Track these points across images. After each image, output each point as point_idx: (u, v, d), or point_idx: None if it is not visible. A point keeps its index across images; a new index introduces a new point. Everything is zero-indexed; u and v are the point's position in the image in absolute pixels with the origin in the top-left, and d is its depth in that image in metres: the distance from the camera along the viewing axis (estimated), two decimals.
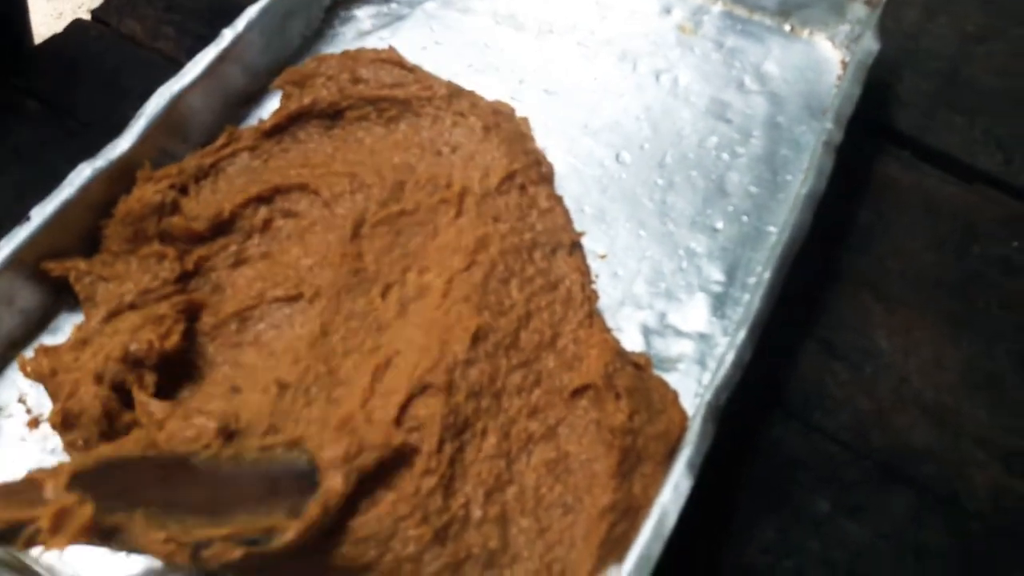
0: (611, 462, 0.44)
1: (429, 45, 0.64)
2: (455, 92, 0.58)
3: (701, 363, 0.50)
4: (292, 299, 0.49)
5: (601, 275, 0.53)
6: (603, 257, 0.54)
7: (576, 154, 0.59)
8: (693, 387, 0.49)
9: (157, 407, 0.43)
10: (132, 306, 0.48)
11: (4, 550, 0.42)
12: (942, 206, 0.59)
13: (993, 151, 0.61)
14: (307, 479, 0.41)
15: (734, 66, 0.63)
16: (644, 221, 0.56)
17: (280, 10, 0.61)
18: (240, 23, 0.58)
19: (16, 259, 0.48)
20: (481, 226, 0.50)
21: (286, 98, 0.58)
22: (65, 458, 0.45)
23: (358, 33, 0.65)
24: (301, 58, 0.62)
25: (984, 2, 0.70)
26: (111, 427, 0.44)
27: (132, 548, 0.38)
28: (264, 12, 0.59)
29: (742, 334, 0.46)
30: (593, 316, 0.50)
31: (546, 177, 0.56)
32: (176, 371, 0.46)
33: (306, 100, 0.57)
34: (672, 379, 0.49)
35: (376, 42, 0.63)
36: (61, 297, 0.51)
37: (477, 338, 0.46)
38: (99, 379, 0.43)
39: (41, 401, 0.47)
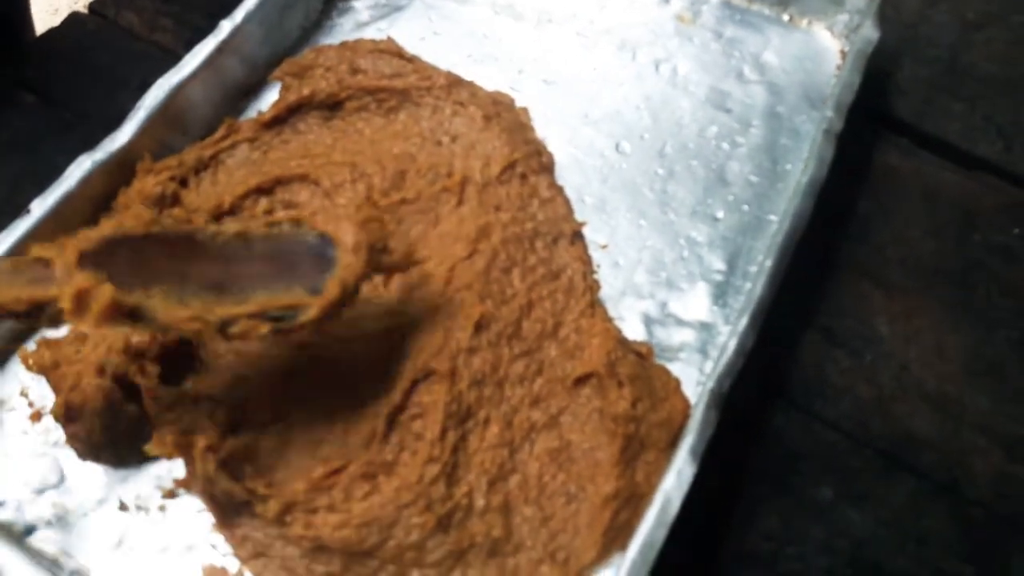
0: (614, 450, 0.44)
1: (428, 36, 0.64)
2: (454, 82, 0.57)
3: (703, 352, 0.50)
4: None
5: (602, 265, 0.53)
6: (604, 247, 0.54)
7: (576, 144, 0.58)
8: (695, 376, 0.49)
9: (165, 392, 0.43)
10: None
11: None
12: (942, 193, 0.59)
13: (993, 138, 0.61)
14: (320, 256, 0.40)
15: (733, 56, 0.63)
16: (645, 211, 0.56)
17: (278, 2, 0.61)
18: (238, 14, 0.58)
19: (17, 252, 0.48)
20: (483, 215, 0.50)
21: (285, 89, 0.58)
22: (69, 452, 0.45)
23: (356, 24, 0.65)
24: (300, 49, 0.62)
25: None
26: (114, 418, 0.44)
27: (157, 327, 0.37)
28: (262, 3, 0.59)
29: (744, 321, 0.46)
30: (595, 305, 0.50)
31: (547, 167, 0.56)
32: (178, 362, 0.46)
33: (305, 91, 0.57)
34: (674, 368, 0.49)
35: (374, 33, 0.63)
36: None
37: (480, 326, 0.46)
38: (101, 371, 0.43)
39: (43, 394, 0.47)
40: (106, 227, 0.39)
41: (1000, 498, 0.47)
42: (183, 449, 0.42)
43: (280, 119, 0.56)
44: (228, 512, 0.42)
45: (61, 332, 0.48)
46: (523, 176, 0.54)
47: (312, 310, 0.39)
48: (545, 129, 0.59)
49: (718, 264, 0.53)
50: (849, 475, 0.48)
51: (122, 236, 0.38)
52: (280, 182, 0.53)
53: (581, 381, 0.47)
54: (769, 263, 0.48)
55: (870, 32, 0.59)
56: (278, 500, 0.41)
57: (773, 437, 0.49)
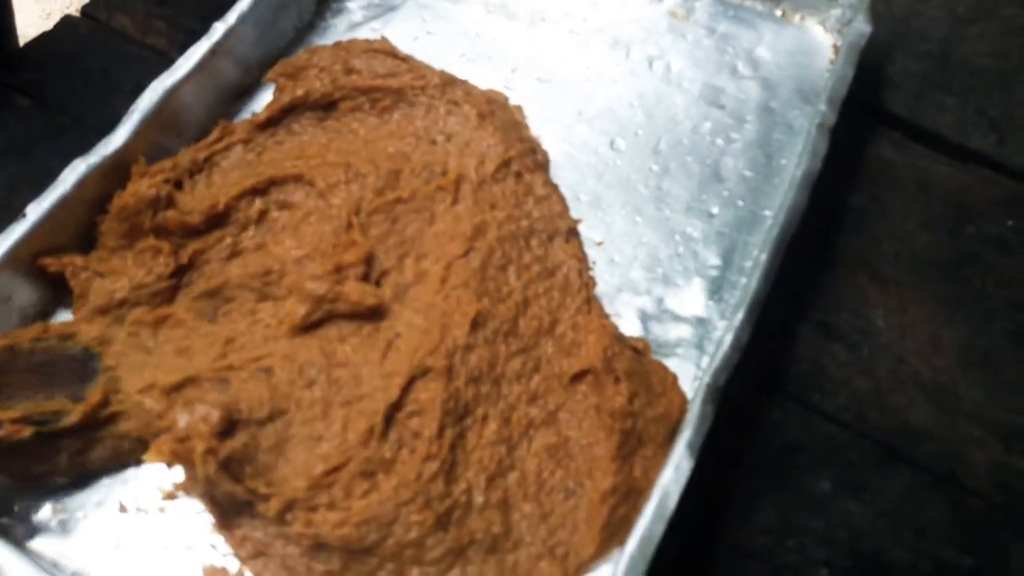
0: (611, 445, 0.44)
1: (421, 35, 0.64)
2: (448, 81, 0.57)
3: (699, 347, 0.50)
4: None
5: (598, 262, 0.53)
6: (600, 244, 0.54)
7: (571, 142, 0.59)
8: (692, 371, 0.49)
9: (152, 402, 0.43)
10: (122, 303, 0.48)
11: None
12: (936, 187, 0.59)
13: (986, 131, 0.61)
14: (83, 365, 0.44)
15: (726, 52, 0.63)
16: (640, 207, 0.56)
17: (272, 3, 0.61)
18: (232, 16, 0.58)
19: (13, 256, 0.48)
20: (478, 213, 0.51)
21: (279, 90, 0.58)
22: None
23: (350, 24, 0.65)
24: (293, 51, 0.62)
25: None
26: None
27: None
28: (255, 5, 0.59)
29: (740, 316, 0.46)
30: (591, 302, 0.50)
31: (541, 165, 0.56)
32: None
33: (299, 92, 0.56)
34: (671, 364, 0.49)
35: (368, 33, 0.63)
36: (58, 294, 0.51)
37: (476, 324, 0.46)
38: None
39: None
40: None
41: (997, 488, 0.47)
42: (181, 455, 0.42)
43: (274, 120, 0.56)
44: (228, 513, 0.42)
45: None
46: (518, 174, 0.54)
47: (73, 415, 0.42)
48: (539, 127, 0.59)
49: (713, 259, 0.54)
50: (847, 467, 0.48)
51: None
52: (274, 183, 0.53)
53: (578, 377, 0.47)
54: (764, 257, 0.48)
55: (862, 26, 0.59)
56: (279, 498, 0.41)
57: (771, 431, 0.49)
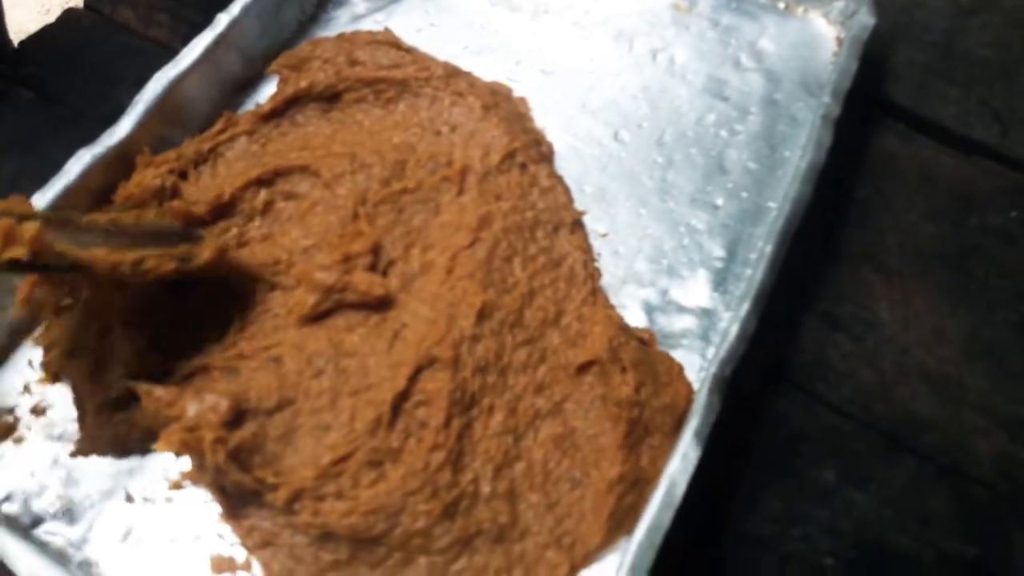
0: (618, 435, 0.44)
1: (424, 27, 0.64)
2: (453, 73, 0.57)
3: (704, 338, 0.50)
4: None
5: (603, 254, 0.53)
6: (604, 236, 0.54)
7: (575, 133, 0.59)
8: (697, 362, 0.49)
9: (162, 391, 0.43)
10: None
11: None
12: (939, 178, 0.59)
13: (989, 122, 0.61)
14: (187, 235, 0.47)
15: (730, 44, 0.63)
16: (644, 199, 0.56)
17: None
18: (235, 7, 0.58)
19: None
20: (483, 204, 0.51)
21: (283, 82, 0.58)
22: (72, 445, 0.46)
23: (353, 16, 0.65)
24: (297, 43, 0.62)
25: None
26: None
27: (77, 265, 0.40)
28: None
29: (746, 306, 0.46)
30: (596, 293, 0.50)
31: (546, 156, 0.56)
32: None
33: (303, 83, 0.56)
34: (676, 355, 0.49)
35: (371, 25, 0.63)
36: None
37: (482, 315, 0.46)
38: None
39: (45, 389, 0.47)
40: None
41: (1002, 478, 0.48)
42: (191, 445, 0.42)
43: (278, 112, 0.56)
44: (236, 502, 0.42)
45: None
46: (523, 165, 0.54)
47: (207, 251, 0.45)
48: (543, 119, 0.59)
49: (718, 251, 0.54)
50: (852, 457, 0.48)
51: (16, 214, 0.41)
52: (280, 174, 0.53)
53: (584, 368, 0.47)
54: (769, 248, 0.49)
55: (866, 18, 0.59)
56: (287, 488, 0.41)
57: (776, 421, 0.49)
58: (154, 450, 0.43)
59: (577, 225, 0.53)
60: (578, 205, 0.55)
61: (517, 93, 0.59)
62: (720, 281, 0.52)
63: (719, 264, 0.53)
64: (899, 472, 0.48)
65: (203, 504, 0.44)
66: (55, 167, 0.50)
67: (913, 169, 0.59)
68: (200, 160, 0.54)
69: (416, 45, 0.60)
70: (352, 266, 0.47)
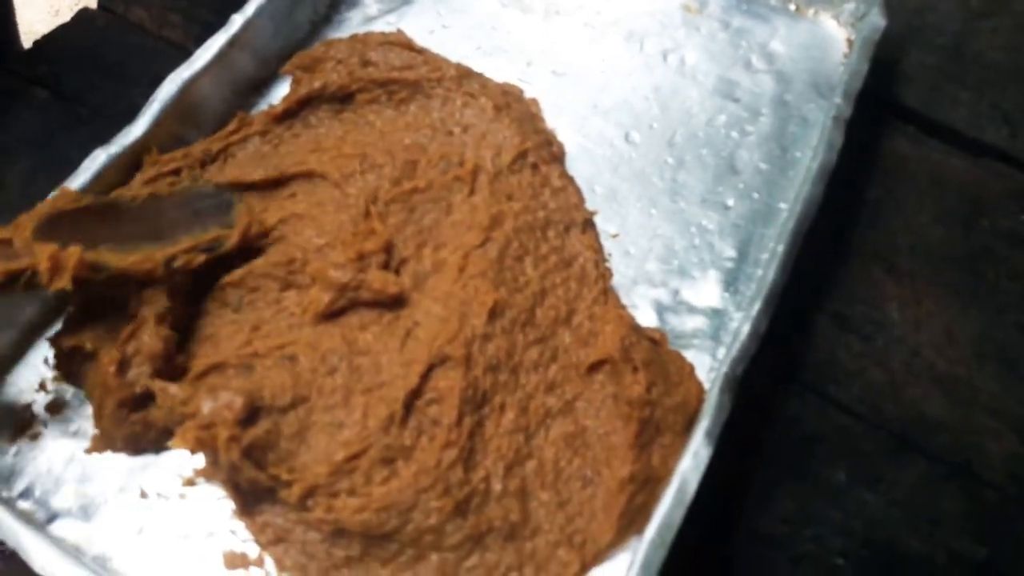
0: (629, 434, 0.44)
1: (436, 29, 0.64)
2: (464, 73, 0.58)
3: (715, 338, 0.50)
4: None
5: (614, 254, 0.54)
6: (615, 236, 0.54)
7: (586, 134, 0.59)
8: (708, 362, 0.49)
9: (177, 389, 0.44)
10: None
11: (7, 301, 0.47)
12: (950, 180, 0.59)
13: (999, 125, 0.61)
14: (219, 200, 0.50)
15: (741, 45, 0.64)
16: (655, 200, 0.56)
17: None
18: (249, 8, 0.59)
19: None
20: (495, 204, 0.51)
21: (296, 83, 0.58)
22: (88, 442, 0.46)
23: (365, 18, 0.65)
24: (309, 44, 0.62)
25: None
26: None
27: (114, 275, 0.44)
28: None
29: (758, 306, 0.46)
30: (608, 293, 0.50)
31: (557, 157, 0.56)
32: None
33: (316, 84, 0.57)
34: (687, 355, 0.49)
35: (383, 26, 0.63)
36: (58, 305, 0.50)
37: (494, 313, 0.46)
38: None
39: (62, 386, 0.48)
40: (43, 206, 0.45)
41: (1012, 479, 0.48)
42: (205, 442, 0.42)
43: (291, 112, 0.57)
44: (249, 499, 0.43)
45: None
46: (534, 166, 0.54)
47: (233, 237, 0.48)
48: (555, 120, 0.59)
49: (729, 252, 0.54)
50: (863, 458, 0.48)
51: (60, 211, 0.45)
52: (291, 174, 0.53)
53: (595, 367, 0.47)
54: (780, 249, 0.49)
55: (877, 20, 0.59)
56: (300, 484, 0.41)
57: (787, 421, 0.50)
58: (169, 447, 0.43)
59: (588, 225, 0.53)
60: (589, 205, 0.55)
61: (528, 94, 0.60)
62: (731, 281, 0.53)
63: (730, 264, 0.53)
64: (910, 473, 0.48)
65: (216, 500, 0.44)
66: (70, 164, 0.51)
67: (924, 171, 0.60)
68: (208, 160, 0.54)
69: (428, 46, 0.60)
70: (366, 264, 0.47)
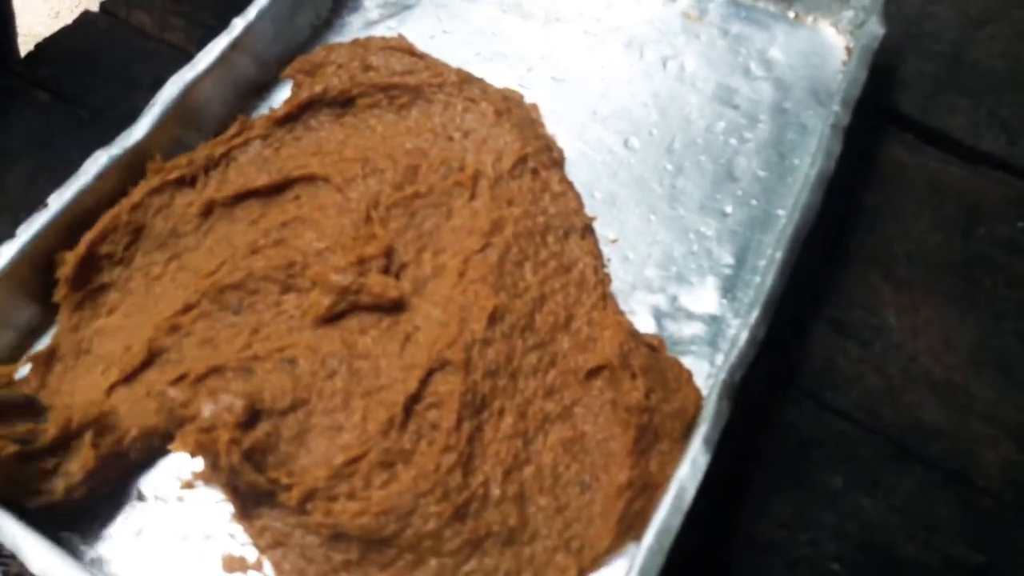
0: (627, 440, 0.44)
1: (437, 34, 0.64)
2: (465, 79, 0.58)
3: (713, 344, 0.51)
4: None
5: (612, 259, 0.54)
6: (614, 242, 0.55)
7: (585, 140, 0.59)
8: (706, 368, 0.49)
9: (176, 392, 0.44)
10: None
11: None
12: (948, 188, 0.59)
13: (997, 133, 0.62)
14: (31, 406, 0.45)
15: (740, 52, 0.64)
16: (654, 206, 0.56)
17: (289, 0, 0.61)
18: (251, 12, 0.59)
19: (36, 242, 0.48)
20: (495, 209, 0.51)
21: (297, 87, 0.59)
22: None
23: (366, 23, 0.65)
24: (310, 48, 0.63)
25: None
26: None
27: None
28: (274, 1, 0.60)
29: (756, 312, 0.47)
30: (607, 298, 0.51)
31: (557, 162, 0.56)
32: None
33: (317, 88, 0.57)
34: (685, 360, 0.49)
35: (384, 31, 0.64)
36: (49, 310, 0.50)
37: (494, 318, 0.47)
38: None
39: None
40: None
41: (1009, 486, 0.48)
42: (206, 445, 0.42)
43: (292, 116, 0.57)
44: (248, 502, 0.43)
45: None
46: (534, 171, 0.54)
47: (53, 429, 0.43)
48: (554, 126, 0.59)
49: (727, 258, 0.54)
50: (860, 463, 0.48)
51: None
52: (292, 178, 0.53)
53: (594, 373, 0.47)
54: (779, 255, 0.49)
55: (875, 28, 0.60)
56: (300, 488, 0.41)
57: (785, 427, 0.50)
58: (169, 450, 0.43)
59: (587, 231, 0.54)
60: (588, 211, 0.55)
61: (528, 100, 0.60)
62: (729, 288, 0.53)
63: (728, 271, 0.53)
64: (906, 479, 0.48)
65: (215, 503, 0.45)
66: (72, 166, 0.51)
67: (922, 179, 0.60)
68: (211, 165, 0.55)
69: (429, 51, 0.61)
70: (366, 268, 0.48)
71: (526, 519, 0.43)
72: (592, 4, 0.66)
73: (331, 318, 0.47)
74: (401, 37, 0.61)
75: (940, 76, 0.65)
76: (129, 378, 0.45)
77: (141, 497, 0.45)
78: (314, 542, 0.42)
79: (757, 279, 0.52)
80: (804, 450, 0.49)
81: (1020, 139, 0.61)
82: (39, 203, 0.50)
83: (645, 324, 0.51)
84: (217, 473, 0.42)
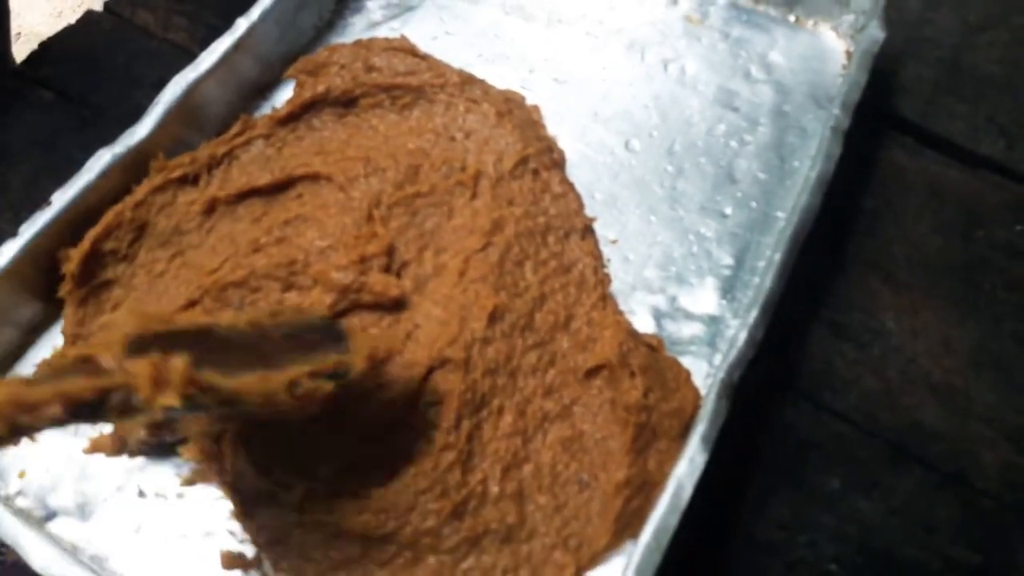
0: (626, 439, 0.45)
1: (439, 35, 0.65)
2: (467, 80, 0.58)
3: (711, 345, 0.51)
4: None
5: (612, 260, 0.54)
6: (614, 242, 0.55)
7: (586, 142, 0.59)
8: (704, 368, 0.50)
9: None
10: None
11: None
12: (947, 192, 0.60)
13: (996, 137, 0.62)
14: (329, 331, 0.42)
15: (740, 56, 0.64)
16: (654, 207, 0.56)
17: (293, 0, 0.61)
18: (254, 12, 0.59)
19: (40, 240, 0.49)
20: (496, 208, 0.51)
21: (299, 87, 0.59)
22: (86, 441, 0.46)
23: (369, 23, 0.66)
24: (313, 49, 0.63)
25: None
26: None
27: (225, 398, 0.36)
28: (277, 2, 0.60)
29: (755, 313, 0.47)
30: (606, 298, 0.51)
31: (558, 163, 0.56)
32: None
33: (320, 88, 0.57)
34: (684, 361, 0.50)
35: (387, 32, 0.64)
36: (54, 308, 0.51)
37: (494, 317, 0.47)
38: None
39: None
40: (127, 325, 0.37)
41: (1007, 488, 0.48)
42: (213, 454, 0.42)
43: (295, 116, 0.57)
44: (248, 500, 0.43)
45: None
46: (535, 172, 0.54)
47: (361, 362, 0.41)
48: (556, 127, 0.60)
49: (726, 259, 0.54)
50: (858, 465, 0.48)
51: (149, 333, 0.37)
52: (295, 177, 0.54)
53: (593, 372, 0.47)
54: (778, 257, 0.49)
55: (875, 33, 0.60)
56: (301, 486, 0.41)
57: (783, 428, 0.50)
58: (182, 457, 0.44)
59: (588, 231, 0.54)
60: (589, 212, 0.55)
61: (530, 101, 0.60)
62: (728, 289, 0.53)
63: (727, 272, 0.54)
64: (905, 481, 0.48)
65: (214, 501, 0.45)
66: (75, 165, 0.51)
67: (921, 182, 0.60)
68: (214, 164, 0.55)
69: (431, 52, 0.61)
70: (368, 267, 0.48)
71: (524, 517, 0.43)
72: (594, 6, 0.67)
73: (332, 316, 0.47)
74: (404, 38, 0.61)
75: (940, 81, 0.65)
76: None
77: (141, 494, 0.45)
78: (313, 540, 0.42)
79: (756, 280, 0.52)
80: (803, 452, 0.49)
81: (1018, 144, 0.62)
82: (42, 202, 0.50)
83: (644, 324, 0.51)
84: (220, 473, 0.43)
